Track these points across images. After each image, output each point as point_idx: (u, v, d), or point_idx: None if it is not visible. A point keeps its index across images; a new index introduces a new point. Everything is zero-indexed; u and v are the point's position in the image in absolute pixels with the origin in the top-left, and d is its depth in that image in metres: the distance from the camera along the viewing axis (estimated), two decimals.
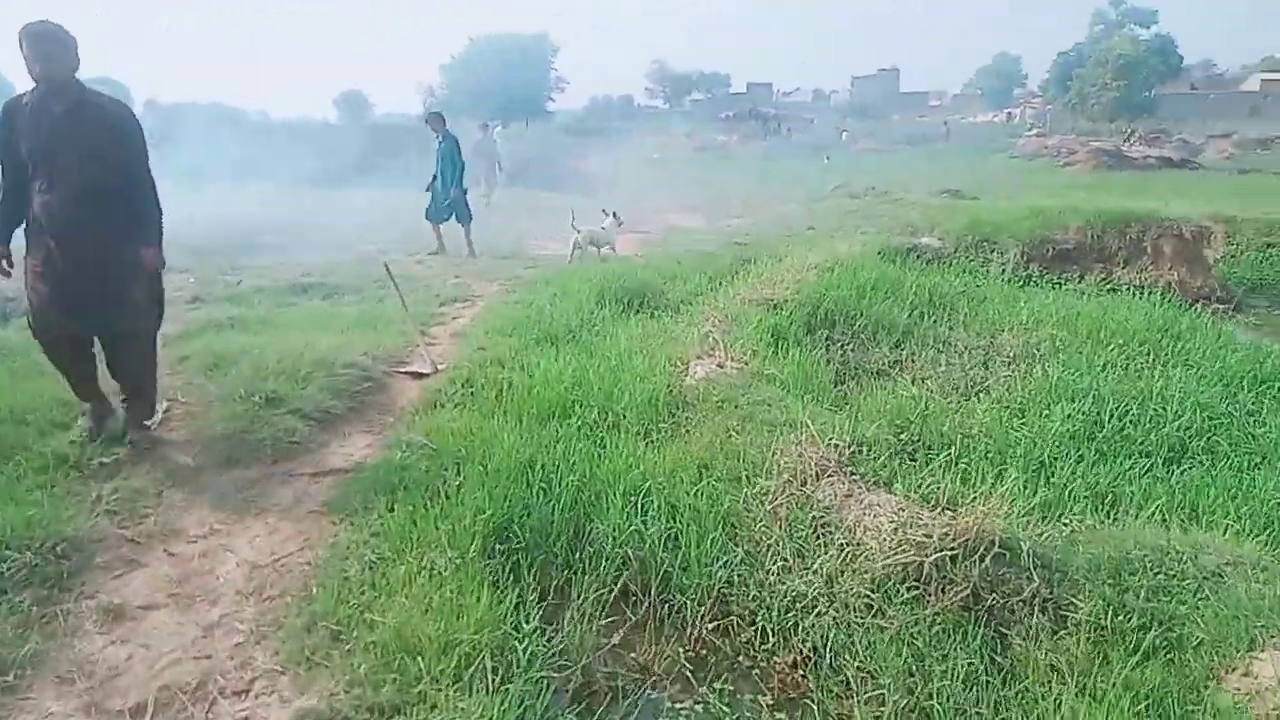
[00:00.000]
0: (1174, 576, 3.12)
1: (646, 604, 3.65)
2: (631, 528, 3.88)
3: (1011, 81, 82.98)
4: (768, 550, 3.72)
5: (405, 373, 6.24)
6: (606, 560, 3.77)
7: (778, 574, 3.58)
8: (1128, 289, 9.49)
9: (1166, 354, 6.55)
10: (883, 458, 4.28)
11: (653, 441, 4.82)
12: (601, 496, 4.17)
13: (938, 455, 4.59)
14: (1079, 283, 9.98)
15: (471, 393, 5.66)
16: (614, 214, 11.79)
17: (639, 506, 4.04)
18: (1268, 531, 3.85)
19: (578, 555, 3.85)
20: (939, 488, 3.79)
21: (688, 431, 4.91)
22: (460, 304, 8.76)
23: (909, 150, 43.32)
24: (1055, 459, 4.67)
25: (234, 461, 4.62)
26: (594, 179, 27.40)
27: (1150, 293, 8.92)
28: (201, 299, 8.61)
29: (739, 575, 3.65)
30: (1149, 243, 10.36)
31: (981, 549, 3.23)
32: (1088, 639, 2.93)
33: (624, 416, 5.07)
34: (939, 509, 3.60)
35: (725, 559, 3.72)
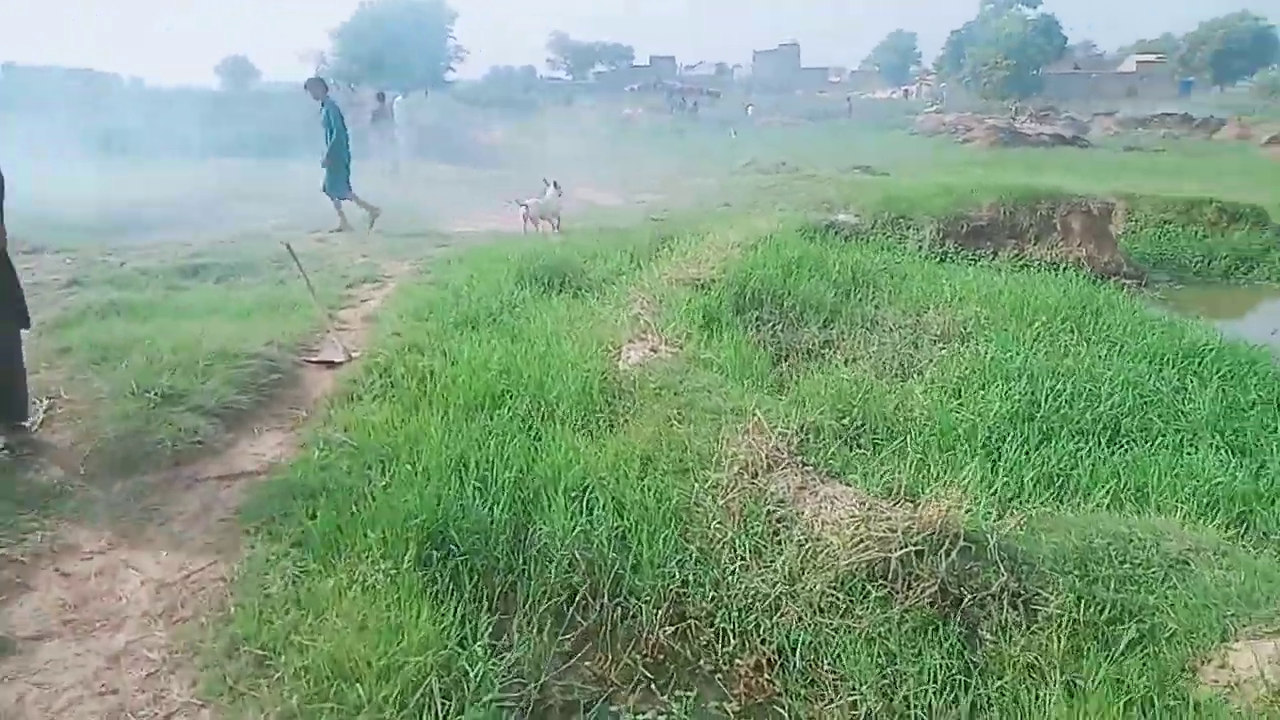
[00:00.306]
0: (1139, 565, 3.12)
1: (598, 609, 3.45)
2: (577, 528, 3.67)
3: (907, 59, 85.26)
4: (723, 547, 3.58)
5: (316, 362, 5.85)
6: (552, 564, 3.56)
7: (735, 572, 3.44)
8: (1040, 265, 9.74)
9: (1089, 331, 6.71)
10: (832, 446, 4.19)
11: (591, 433, 4.61)
12: (541, 494, 3.96)
13: (884, 441, 4.54)
14: (992, 259, 10.20)
15: (391, 383, 5.33)
16: (554, 183, 11.31)
17: (583, 504, 3.83)
18: (1212, 511, 3.93)
19: (521, 559, 3.63)
20: (895, 477, 3.71)
21: (626, 421, 4.72)
22: (370, 285, 8.31)
23: (812, 125, 43.92)
24: (1000, 441, 4.68)
25: (130, 466, 4.20)
26: (500, 152, 26.74)
27: (1063, 268, 9.17)
28: (80, 282, 7.92)
29: (694, 575, 3.49)
30: (1059, 219, 10.67)
31: (947, 543, 3.15)
32: (1061, 632, 2.89)
33: (558, 407, 4.84)
34: (898, 500, 3.51)
35: (679, 558, 3.56)
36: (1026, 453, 4.46)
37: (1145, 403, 5.31)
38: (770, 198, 13.96)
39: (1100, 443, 4.75)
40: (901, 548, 3.16)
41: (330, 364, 5.81)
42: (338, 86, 40.99)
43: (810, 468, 3.90)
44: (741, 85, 75.62)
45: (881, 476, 3.81)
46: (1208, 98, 56.27)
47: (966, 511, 3.30)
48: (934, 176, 16.03)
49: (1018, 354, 5.94)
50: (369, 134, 19.75)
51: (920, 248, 10.40)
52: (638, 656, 3.25)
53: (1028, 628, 2.96)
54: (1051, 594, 3.02)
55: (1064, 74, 67.26)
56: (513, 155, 25.32)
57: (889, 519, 3.32)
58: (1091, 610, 2.94)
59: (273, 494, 3.97)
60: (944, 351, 6.37)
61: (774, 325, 7.02)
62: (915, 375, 5.97)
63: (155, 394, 4.70)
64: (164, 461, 4.25)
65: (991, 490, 3.67)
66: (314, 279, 8.04)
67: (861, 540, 3.26)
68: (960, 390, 5.49)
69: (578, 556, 3.57)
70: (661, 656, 3.29)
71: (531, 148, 26.60)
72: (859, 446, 4.41)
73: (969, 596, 3.07)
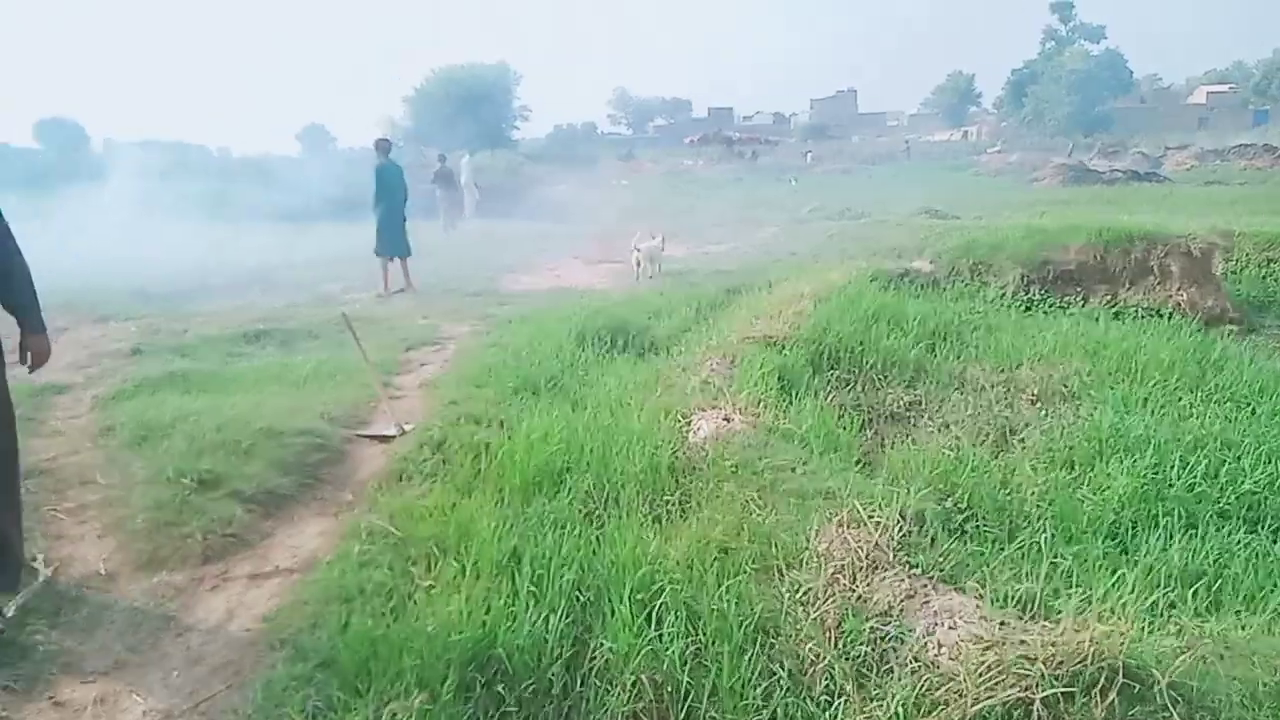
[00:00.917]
0: None
1: None
2: (644, 643, 3.09)
3: (966, 99, 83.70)
4: (818, 672, 2.94)
5: (367, 436, 5.43)
6: (615, 688, 2.98)
7: (835, 706, 2.81)
8: (1136, 312, 8.89)
9: (1210, 389, 5.90)
10: (941, 540, 3.53)
11: (660, 521, 4.05)
12: (603, 597, 3.40)
13: (997, 530, 3.88)
14: (1083, 306, 9.36)
15: (444, 460, 4.86)
16: (662, 237, 12.35)
17: (651, 614, 3.25)
18: None
19: (578, 678, 3.07)
20: (1022, 584, 3.06)
21: (700, 505, 4.14)
22: (429, 348, 7.97)
23: (873, 170, 43.15)
24: (1132, 529, 3.96)
25: (155, 563, 3.78)
26: (564, 208, 26.71)
27: (1165, 315, 8.34)
28: (142, 350, 7.76)
29: (783, 707, 2.87)
30: (1155, 261, 9.79)
31: (1103, 680, 2.48)
32: None
33: (623, 489, 4.30)
34: (1032, 616, 2.86)
35: (764, 685, 2.94)
36: (1167, 545, 3.73)
37: None
38: (838, 244, 13.37)
39: (1252, 529, 3.98)
40: (1046, 686, 2.50)
41: (383, 438, 5.40)
42: (406, 148, 41.93)
43: (918, 570, 3.25)
44: (800, 133, 75.06)
45: (1005, 581, 3.15)
46: None
47: (1123, 636, 2.62)
48: (1008, 218, 15.21)
49: (1133, 418, 5.18)
50: (435, 194, 19.90)
51: (1003, 295, 9.64)
52: None
53: None
54: None
55: (1130, 108, 65.19)
56: (576, 210, 25.25)
57: (1024, 644, 2.66)
58: None
59: (305, 598, 3.49)
60: (1045, 414, 5.66)
61: (854, 386, 6.40)
62: (1016, 443, 5.27)
63: (192, 479, 4.31)
64: (192, 557, 3.82)
65: (1147, 603, 2.97)
66: (371, 342, 7.74)
67: (992, 672, 2.61)
68: (1072, 463, 4.78)
69: (644, 680, 2.98)
70: None
71: (595, 202, 26.52)
72: (969, 539, 3.74)
73: None
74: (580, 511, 4.15)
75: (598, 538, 3.85)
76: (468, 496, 4.30)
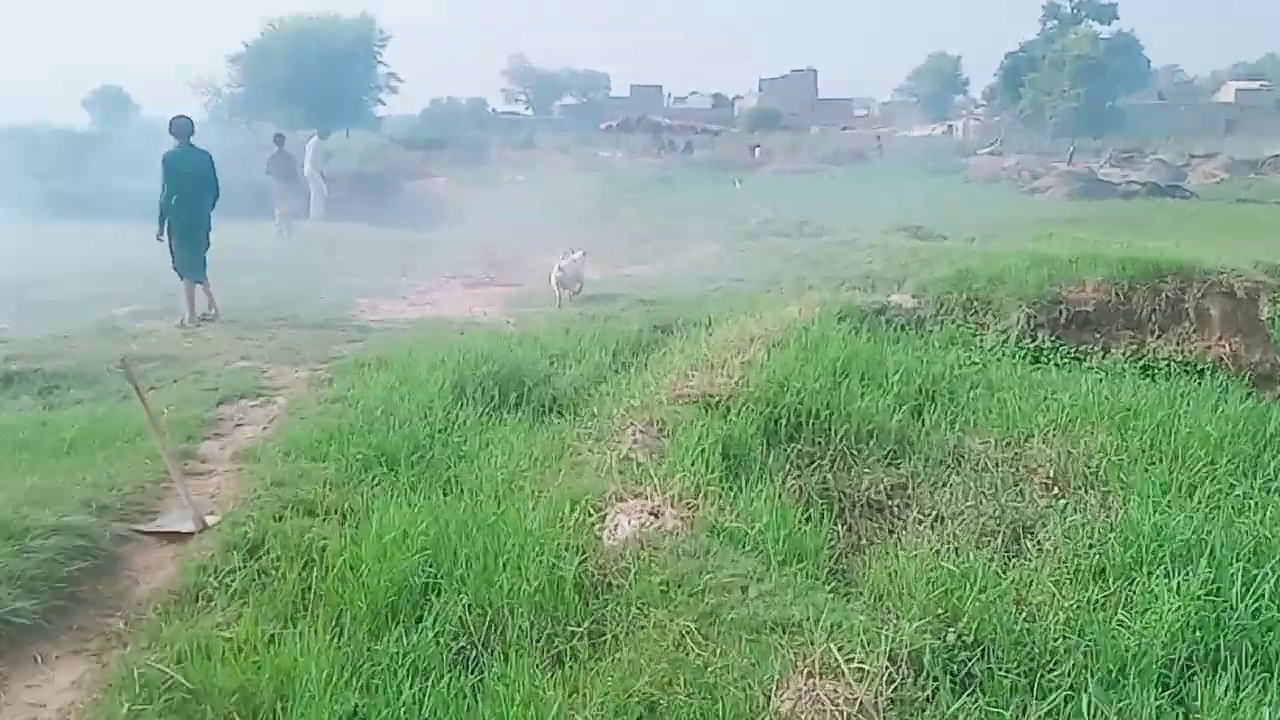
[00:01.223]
0: None
1: None
2: None
3: (950, 87, 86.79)
4: None
5: (153, 533, 5.05)
6: None
7: None
8: (1169, 367, 9.12)
9: (1269, 475, 5.97)
10: (944, 695, 3.37)
11: (562, 662, 3.81)
12: None
13: (1014, 673, 3.75)
14: (1103, 358, 9.57)
15: (260, 572, 4.53)
16: (582, 252, 12.42)
17: None
18: None
19: None
20: None
21: (618, 640, 3.93)
22: (249, 401, 7.53)
23: (837, 172, 44.02)
24: (1185, 671, 3.89)
25: None
26: (441, 209, 26.40)
27: (1204, 372, 8.53)
28: None
29: None
30: (1190, 303, 10.04)
31: None
32: None
33: (512, 615, 4.05)
34: None
35: None
36: (1234, 700, 3.64)
37: None
38: (797, 269, 13.43)
39: None
40: None
41: (175, 535, 5.02)
42: (231, 123, 41.01)
43: None
44: (745, 120, 76.50)
45: None
46: None
47: None
48: (1007, 241, 15.59)
49: (1179, 515, 5.19)
50: (271, 187, 19.41)
51: (1005, 342, 9.80)
52: None
53: None
54: None
55: (1146, 105, 68.41)
56: (458, 213, 24.93)
57: None
58: None
59: None
60: (1065, 507, 5.64)
61: (821, 463, 6.30)
62: (1031, 545, 5.22)
63: None
64: None
65: None
66: (171, 395, 7.31)
67: None
68: (1103, 575, 4.73)
69: None
70: None
71: (482, 202, 26.28)
72: (981, 689, 3.60)
73: None
74: (451, 650, 3.90)
75: (474, 691, 3.61)
76: (292, 627, 4.03)
